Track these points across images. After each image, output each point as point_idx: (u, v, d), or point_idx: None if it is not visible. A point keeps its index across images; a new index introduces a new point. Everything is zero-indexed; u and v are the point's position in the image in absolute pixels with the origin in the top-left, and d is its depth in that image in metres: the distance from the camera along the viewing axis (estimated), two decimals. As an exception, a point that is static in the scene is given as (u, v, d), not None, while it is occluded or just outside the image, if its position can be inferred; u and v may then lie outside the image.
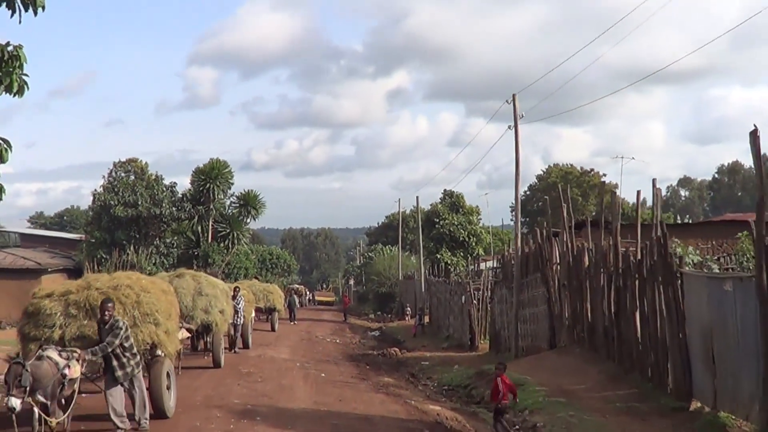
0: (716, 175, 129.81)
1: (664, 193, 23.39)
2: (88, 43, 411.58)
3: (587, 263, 20.75)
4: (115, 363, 11.49)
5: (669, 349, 15.27)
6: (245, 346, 26.02)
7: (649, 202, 25.93)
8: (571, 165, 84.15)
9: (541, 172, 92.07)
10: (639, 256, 17.39)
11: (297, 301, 44.21)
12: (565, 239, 22.60)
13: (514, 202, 26.63)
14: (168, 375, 13.27)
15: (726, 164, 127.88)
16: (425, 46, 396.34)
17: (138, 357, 11.93)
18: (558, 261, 23.29)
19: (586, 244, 21.01)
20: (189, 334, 19.35)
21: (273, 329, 35.46)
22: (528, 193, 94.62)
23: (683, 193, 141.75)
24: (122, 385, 11.61)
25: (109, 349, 11.28)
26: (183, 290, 19.38)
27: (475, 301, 32.78)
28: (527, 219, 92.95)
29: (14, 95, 8.58)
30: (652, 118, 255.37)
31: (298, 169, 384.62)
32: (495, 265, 46.40)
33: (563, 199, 23.56)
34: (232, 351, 24.27)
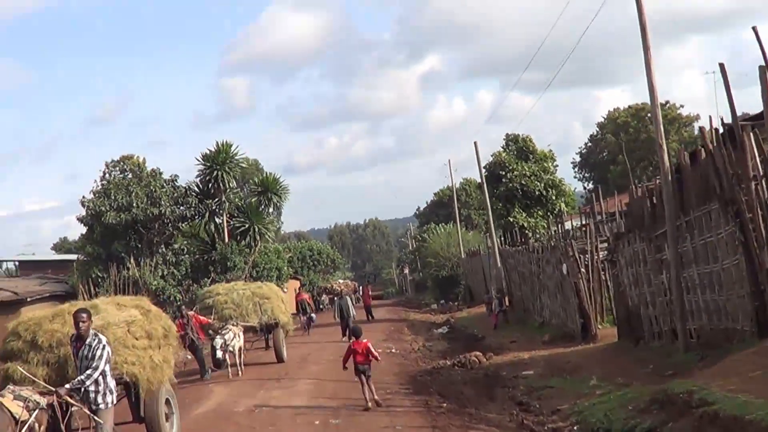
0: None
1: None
2: (117, 69, 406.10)
3: None
4: None
5: None
6: None
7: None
8: (643, 103, 72.31)
9: (602, 119, 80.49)
10: None
11: (350, 305, 29.56)
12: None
13: (649, 89, 16.01)
14: None
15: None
16: (453, 25, 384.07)
17: None
18: (763, 173, 12.89)
19: None
20: None
21: (279, 359, 22.59)
22: (589, 144, 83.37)
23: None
24: None
25: None
26: None
27: (582, 269, 22.47)
28: (592, 174, 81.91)
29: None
30: (690, 68, 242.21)
31: (341, 165, 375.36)
32: (583, 223, 36.02)
33: None
34: None
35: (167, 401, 11.86)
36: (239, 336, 20.82)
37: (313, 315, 34.59)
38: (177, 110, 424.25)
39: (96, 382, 9.67)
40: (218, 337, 19.94)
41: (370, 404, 13.82)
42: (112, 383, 9.99)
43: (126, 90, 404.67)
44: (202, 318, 21.38)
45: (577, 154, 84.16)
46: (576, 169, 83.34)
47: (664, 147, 15.97)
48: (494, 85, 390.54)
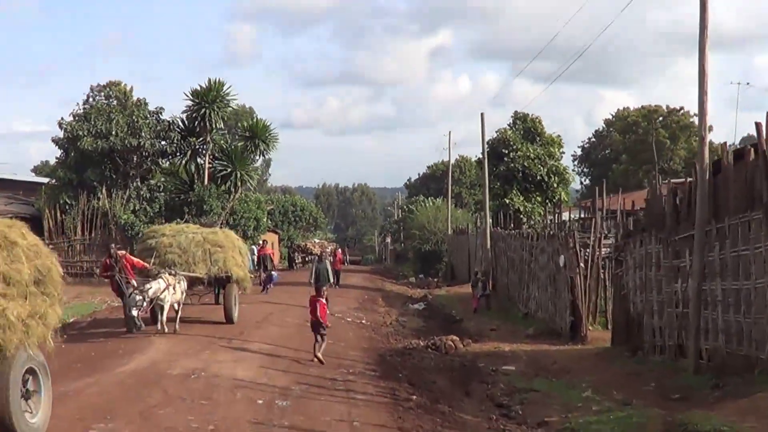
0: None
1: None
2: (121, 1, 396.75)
3: None
4: None
5: None
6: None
7: None
8: (656, 105, 70.08)
9: (611, 117, 78.18)
10: None
11: (330, 270, 24.26)
12: None
13: (699, 71, 13.78)
14: None
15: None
16: (470, 3, 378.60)
17: None
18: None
19: None
20: None
21: (228, 319, 18.90)
22: (592, 140, 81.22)
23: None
24: None
25: None
26: None
27: (581, 264, 20.51)
28: (591, 170, 79.90)
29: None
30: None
31: (338, 127, 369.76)
32: (582, 216, 34.11)
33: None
34: None
35: (31, 372, 8.67)
36: (175, 288, 17.33)
37: (274, 273, 31.07)
38: (179, 50, 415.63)
39: None
40: (136, 292, 16.31)
41: (314, 356, 14.61)
42: None
43: (129, 23, 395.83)
44: (135, 260, 18.11)
45: (579, 147, 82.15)
46: (576, 163, 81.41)
47: (707, 140, 13.87)
48: (503, 69, 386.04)
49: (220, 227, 33.15)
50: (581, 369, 16.02)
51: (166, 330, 16.65)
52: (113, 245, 19.09)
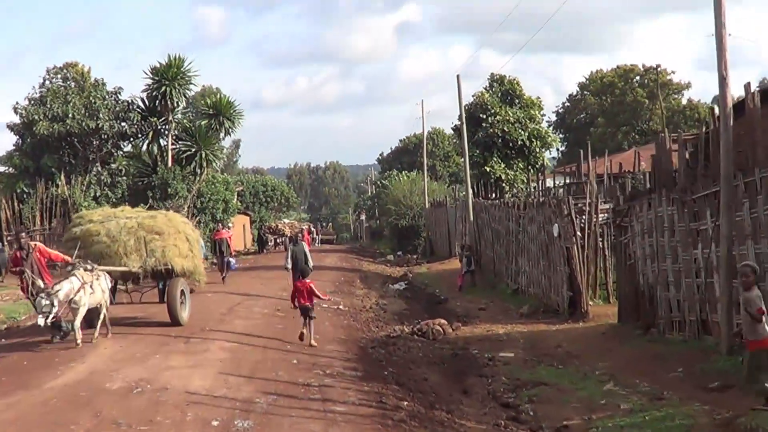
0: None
1: None
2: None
3: None
4: None
5: None
6: None
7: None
8: (632, 64, 67.86)
9: (584, 80, 75.99)
10: None
11: (308, 253, 20.59)
12: None
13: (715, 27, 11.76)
14: None
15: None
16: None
17: None
18: None
19: None
20: None
21: (173, 320, 15.35)
22: (567, 105, 79.08)
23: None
24: None
25: None
26: None
27: (578, 232, 18.65)
28: (566, 135, 77.81)
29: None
30: (665, 47, 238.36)
31: (308, 106, 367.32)
32: (569, 181, 32.21)
33: None
34: None
35: None
36: (93, 286, 13.86)
37: (231, 259, 26.98)
38: (148, 37, 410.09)
39: None
40: (43, 296, 12.83)
41: (305, 341, 14.34)
42: None
43: (97, 10, 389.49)
44: (52, 252, 15.05)
45: (553, 113, 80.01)
46: (551, 129, 79.25)
47: (728, 80, 11.82)
48: (470, 42, 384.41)
49: (187, 211, 31.07)
50: (590, 352, 14.17)
51: (95, 340, 13.68)
52: (23, 234, 15.55)
